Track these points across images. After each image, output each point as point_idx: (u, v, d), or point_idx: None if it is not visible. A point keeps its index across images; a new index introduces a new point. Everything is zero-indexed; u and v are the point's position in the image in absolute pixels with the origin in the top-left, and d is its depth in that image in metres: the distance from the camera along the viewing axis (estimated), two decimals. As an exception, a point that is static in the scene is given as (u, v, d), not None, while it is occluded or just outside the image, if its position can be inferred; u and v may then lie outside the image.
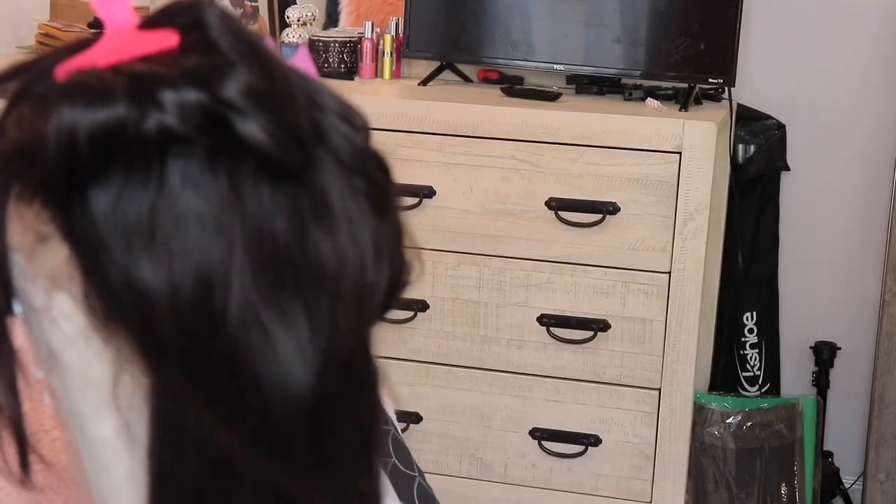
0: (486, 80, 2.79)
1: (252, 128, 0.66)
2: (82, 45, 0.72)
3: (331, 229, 0.68)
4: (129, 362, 0.70)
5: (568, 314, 2.51)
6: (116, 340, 0.69)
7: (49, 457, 0.79)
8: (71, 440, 0.75)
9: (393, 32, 2.79)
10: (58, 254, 0.69)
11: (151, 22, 0.72)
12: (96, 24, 2.77)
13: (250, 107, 0.66)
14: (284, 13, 2.86)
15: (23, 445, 0.76)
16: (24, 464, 0.76)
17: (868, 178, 2.87)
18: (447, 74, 2.78)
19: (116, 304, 0.66)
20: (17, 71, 0.73)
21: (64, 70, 0.70)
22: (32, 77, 0.72)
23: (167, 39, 0.69)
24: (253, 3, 2.95)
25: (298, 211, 0.68)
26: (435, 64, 2.77)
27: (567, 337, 2.50)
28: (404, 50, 2.77)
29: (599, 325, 2.49)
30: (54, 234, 0.69)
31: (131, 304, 0.66)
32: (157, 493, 0.71)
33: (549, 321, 2.50)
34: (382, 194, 0.73)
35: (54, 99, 0.67)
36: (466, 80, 2.80)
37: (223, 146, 0.66)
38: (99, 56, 0.69)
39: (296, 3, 2.97)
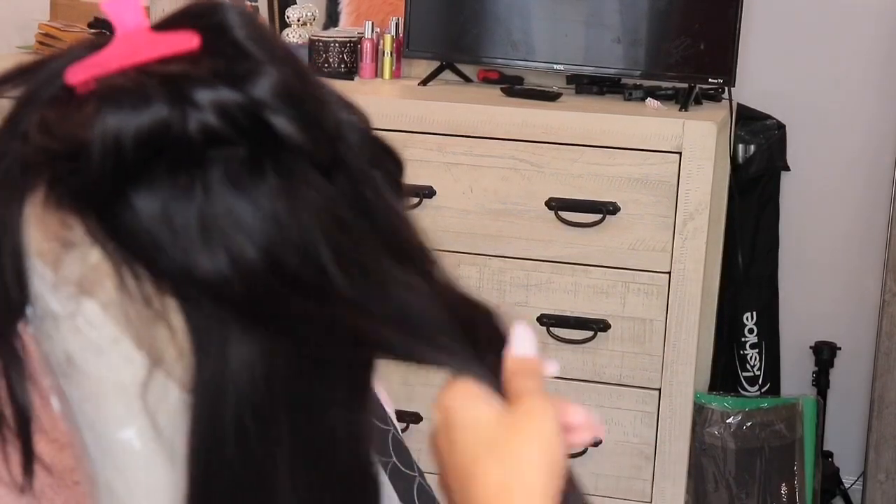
0: (486, 80, 2.79)
1: (288, 126, 0.67)
2: (90, 46, 0.72)
3: (372, 218, 0.71)
4: (161, 365, 0.70)
5: (568, 314, 2.51)
6: (151, 340, 0.70)
7: (48, 459, 0.79)
8: (78, 444, 0.75)
9: (393, 32, 2.79)
10: (87, 259, 0.70)
11: (167, 24, 0.72)
12: (97, 24, 2.77)
13: (282, 106, 0.67)
14: (284, 13, 2.86)
15: (28, 450, 0.76)
16: (29, 468, 0.76)
17: (868, 177, 2.87)
18: (447, 74, 2.78)
19: (186, 295, 0.68)
20: (21, 73, 0.73)
21: (76, 72, 0.70)
22: (42, 80, 0.71)
23: (187, 41, 0.70)
24: (253, 3, 2.96)
25: (338, 200, 0.69)
26: (435, 64, 2.78)
27: (567, 337, 2.50)
28: (404, 50, 2.77)
29: (599, 325, 2.49)
30: (82, 240, 0.69)
31: (202, 291, 0.67)
32: (197, 500, 0.71)
33: (549, 321, 2.50)
34: (397, 186, 0.75)
35: (94, 104, 0.67)
36: (466, 80, 2.81)
37: (262, 144, 0.67)
38: (113, 58, 0.69)
39: (296, 3, 2.97)
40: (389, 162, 0.76)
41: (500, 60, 2.72)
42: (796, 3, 2.85)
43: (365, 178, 0.72)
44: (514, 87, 2.66)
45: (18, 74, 0.73)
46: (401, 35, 2.78)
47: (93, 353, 0.71)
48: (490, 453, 0.67)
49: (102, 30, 2.71)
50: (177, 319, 0.69)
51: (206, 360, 0.69)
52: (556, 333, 2.50)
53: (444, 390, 0.70)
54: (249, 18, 0.71)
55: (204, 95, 0.66)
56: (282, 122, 0.67)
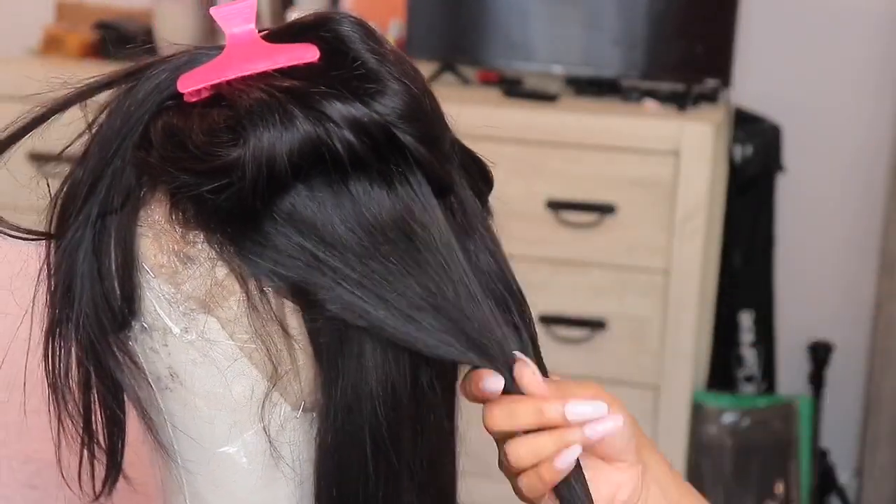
0: (486, 82, 2.81)
1: (416, 145, 0.66)
2: (199, 54, 0.70)
3: (473, 241, 0.72)
4: (277, 382, 0.70)
5: (567, 313, 2.53)
6: (269, 357, 0.69)
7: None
8: (166, 455, 0.74)
9: (393, 34, 2.81)
10: (213, 275, 0.68)
11: (284, 34, 0.71)
12: (102, 27, 2.78)
13: (408, 124, 0.66)
14: (285, 15, 2.88)
15: (115, 462, 0.75)
16: (113, 481, 0.76)
17: (863, 178, 2.89)
18: (446, 76, 2.80)
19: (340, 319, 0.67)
20: (124, 76, 0.71)
21: (189, 80, 0.68)
22: (152, 85, 0.69)
23: (306, 53, 0.68)
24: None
25: (454, 222, 0.70)
26: (435, 66, 2.79)
27: (566, 336, 2.52)
28: (404, 51, 2.78)
29: (598, 325, 2.51)
30: (206, 256, 0.68)
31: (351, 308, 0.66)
32: None
33: (548, 320, 2.52)
34: (485, 204, 0.76)
35: (225, 116, 0.65)
36: (466, 81, 2.82)
37: (392, 162, 0.67)
38: (228, 67, 0.68)
39: (296, 5, 2.98)
40: (480, 179, 0.76)
41: (499, 62, 2.74)
42: (793, 6, 2.87)
43: (471, 200, 0.72)
44: (513, 89, 2.68)
45: (124, 77, 0.71)
46: (401, 37, 2.80)
47: (205, 370, 0.70)
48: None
49: (107, 33, 2.72)
50: (300, 337, 0.68)
51: (341, 379, 0.68)
52: (555, 332, 2.52)
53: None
54: (368, 30, 0.69)
55: (339, 112, 0.65)
56: (410, 141, 0.66)
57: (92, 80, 0.71)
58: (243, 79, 0.67)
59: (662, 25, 2.65)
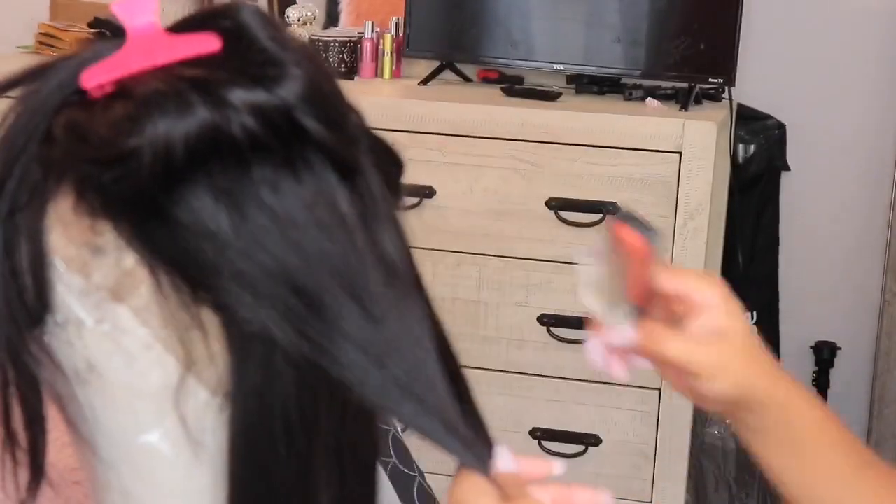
0: (486, 80, 2.80)
1: (318, 128, 0.67)
2: (102, 48, 0.71)
3: (379, 227, 0.71)
4: (193, 368, 0.70)
5: (568, 314, 2.51)
6: (183, 344, 0.69)
7: (49, 458, 0.77)
8: (89, 449, 0.74)
9: (393, 32, 2.80)
10: (121, 265, 0.69)
11: (186, 25, 0.71)
12: (97, 24, 2.77)
13: (310, 108, 0.67)
14: (284, 13, 2.87)
15: (37, 464, 0.74)
16: (36, 482, 0.75)
17: (869, 177, 2.88)
18: (447, 74, 2.79)
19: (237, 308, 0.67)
20: (30, 74, 0.71)
21: (92, 75, 0.69)
22: (56, 82, 0.70)
23: (208, 43, 0.69)
24: (252, 3, 2.96)
25: (360, 207, 0.70)
26: (435, 64, 2.78)
27: (567, 336, 2.51)
28: (404, 50, 2.77)
29: (599, 325, 2.49)
30: (114, 245, 0.68)
31: (251, 292, 0.66)
32: (242, 500, 0.71)
33: (548, 321, 2.50)
34: (397, 188, 0.75)
35: (127, 108, 0.66)
36: (466, 79, 2.81)
37: (294, 146, 0.67)
38: (131, 60, 0.68)
39: (296, 3, 2.97)
40: (390, 163, 0.76)
41: (500, 60, 2.72)
42: (796, 4, 2.86)
43: (378, 185, 0.72)
44: (514, 87, 2.67)
45: (28, 76, 0.71)
46: (401, 35, 2.78)
47: (121, 359, 0.70)
48: None
49: (103, 30, 2.71)
50: (211, 322, 0.69)
51: (249, 364, 0.68)
52: (556, 333, 2.51)
53: (457, 484, 0.72)
54: (269, 19, 0.70)
55: (239, 98, 0.65)
56: (312, 124, 0.66)
57: None
58: (146, 71, 0.68)
59: (665, 23, 2.64)
